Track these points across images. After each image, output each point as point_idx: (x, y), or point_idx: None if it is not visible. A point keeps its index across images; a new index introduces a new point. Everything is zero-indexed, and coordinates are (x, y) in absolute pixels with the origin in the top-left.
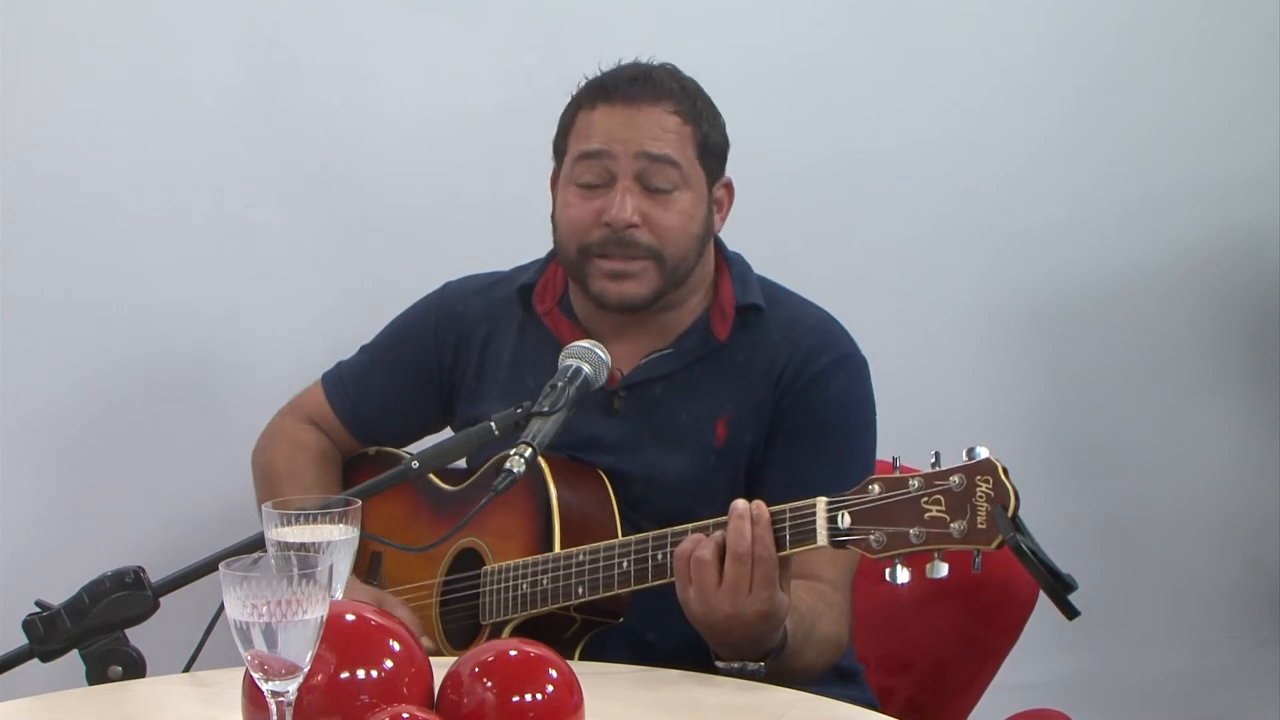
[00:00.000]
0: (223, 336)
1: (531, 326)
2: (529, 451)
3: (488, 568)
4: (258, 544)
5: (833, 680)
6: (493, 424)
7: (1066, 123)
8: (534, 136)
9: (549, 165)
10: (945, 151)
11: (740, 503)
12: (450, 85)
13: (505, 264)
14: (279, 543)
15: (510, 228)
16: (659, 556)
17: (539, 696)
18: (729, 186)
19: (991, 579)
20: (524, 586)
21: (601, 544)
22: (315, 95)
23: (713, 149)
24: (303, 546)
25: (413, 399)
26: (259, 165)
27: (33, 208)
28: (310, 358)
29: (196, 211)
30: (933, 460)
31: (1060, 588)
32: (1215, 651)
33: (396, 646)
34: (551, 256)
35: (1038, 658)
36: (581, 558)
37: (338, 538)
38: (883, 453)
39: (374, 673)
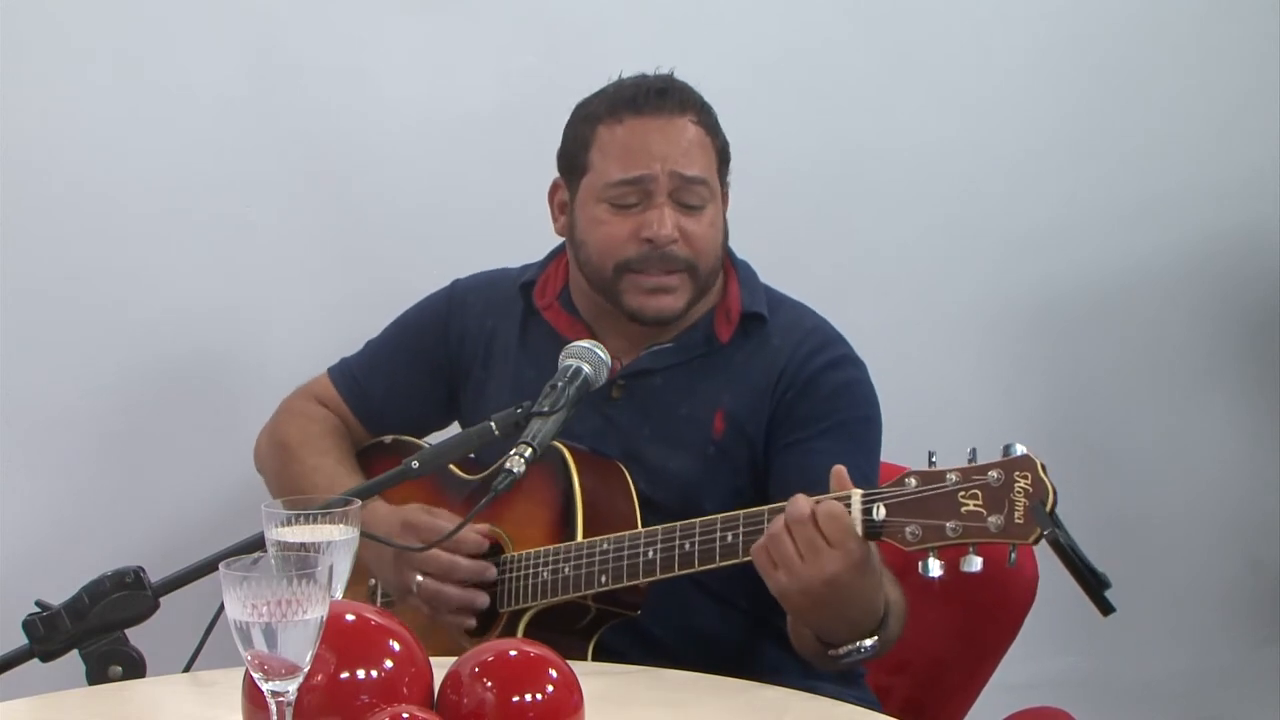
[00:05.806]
0: (222, 336)
1: (533, 322)
2: (529, 451)
3: (507, 555)
4: (258, 544)
5: (834, 679)
6: (493, 424)
7: (1066, 123)
8: (534, 137)
9: (549, 165)
10: (945, 151)
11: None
12: (450, 86)
13: (504, 264)
14: (279, 543)
15: (510, 228)
16: (686, 546)
17: (539, 696)
18: (728, 187)
19: (989, 577)
20: (545, 574)
21: (626, 533)
22: (315, 95)
23: (725, 158)
24: (303, 546)
25: (419, 388)
26: (259, 165)
27: (32, 208)
28: (309, 358)
29: (196, 211)
30: (970, 456)
31: (1096, 584)
32: (1215, 651)
33: (396, 646)
34: (552, 257)
35: (1036, 657)
36: (606, 546)
37: (338, 538)
38: (889, 455)
39: (374, 673)
